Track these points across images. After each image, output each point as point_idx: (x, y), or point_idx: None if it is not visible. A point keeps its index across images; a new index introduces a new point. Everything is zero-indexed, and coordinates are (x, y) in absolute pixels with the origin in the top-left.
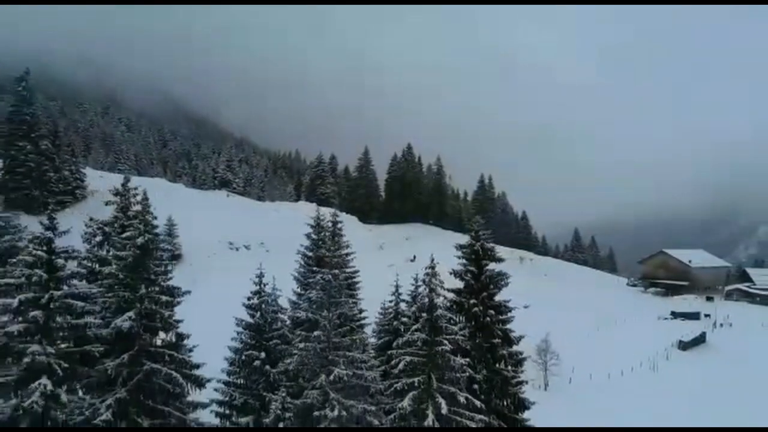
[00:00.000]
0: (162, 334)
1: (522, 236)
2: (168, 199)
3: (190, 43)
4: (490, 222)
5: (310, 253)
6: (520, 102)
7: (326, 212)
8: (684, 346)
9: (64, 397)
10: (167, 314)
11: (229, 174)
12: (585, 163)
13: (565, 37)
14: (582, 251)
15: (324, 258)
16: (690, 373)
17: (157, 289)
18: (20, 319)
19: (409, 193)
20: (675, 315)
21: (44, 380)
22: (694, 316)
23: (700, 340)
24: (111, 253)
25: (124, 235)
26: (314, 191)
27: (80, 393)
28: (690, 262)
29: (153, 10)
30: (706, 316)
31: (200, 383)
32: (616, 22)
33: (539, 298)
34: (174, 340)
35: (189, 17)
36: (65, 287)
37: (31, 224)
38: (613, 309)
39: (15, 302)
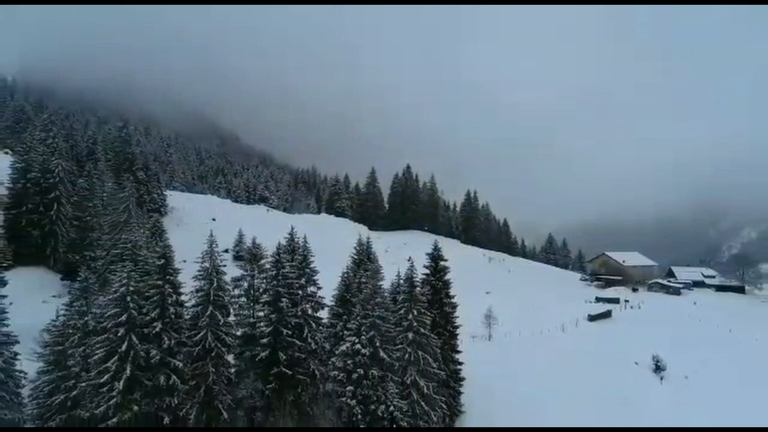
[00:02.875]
0: (311, 288)
1: (503, 240)
2: (225, 214)
3: (209, 60)
4: (475, 228)
5: (357, 257)
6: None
7: (359, 229)
8: (591, 318)
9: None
10: (314, 279)
11: (266, 192)
12: (582, 167)
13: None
14: (554, 252)
15: (363, 260)
16: (586, 333)
17: (312, 270)
18: (274, 280)
19: (408, 206)
20: (598, 299)
21: (285, 299)
22: (614, 300)
23: (606, 315)
24: (293, 257)
25: (295, 255)
26: (332, 205)
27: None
28: (624, 261)
29: (170, 28)
30: (626, 301)
31: (323, 307)
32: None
33: (499, 287)
34: (317, 290)
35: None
36: (284, 269)
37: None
38: (554, 295)
39: (272, 274)
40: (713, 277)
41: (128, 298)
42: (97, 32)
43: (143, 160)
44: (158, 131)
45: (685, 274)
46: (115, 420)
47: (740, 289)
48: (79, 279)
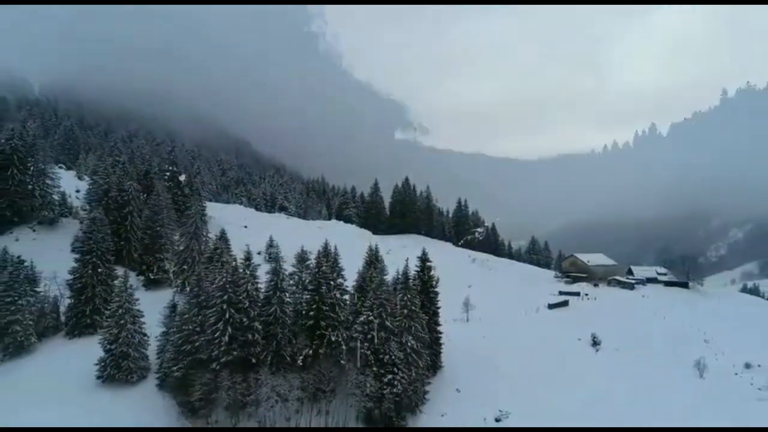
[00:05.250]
0: (340, 280)
1: (491, 243)
2: (253, 221)
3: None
4: (465, 233)
5: (368, 258)
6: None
7: (365, 234)
8: (550, 306)
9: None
10: (342, 274)
11: (285, 202)
12: (583, 170)
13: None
14: (536, 253)
15: (373, 260)
16: (544, 317)
17: (339, 268)
18: (316, 274)
19: (406, 213)
20: (561, 293)
21: (323, 287)
22: (575, 293)
23: (563, 304)
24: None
25: (329, 258)
26: (341, 212)
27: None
28: (588, 261)
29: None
30: (585, 294)
31: (347, 292)
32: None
33: (480, 282)
34: (343, 281)
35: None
36: (323, 267)
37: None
38: (525, 289)
39: (315, 271)
40: (665, 274)
41: (227, 286)
42: (97, 37)
43: (187, 177)
44: (183, 144)
45: (642, 272)
46: (222, 360)
47: (685, 285)
48: (195, 274)
